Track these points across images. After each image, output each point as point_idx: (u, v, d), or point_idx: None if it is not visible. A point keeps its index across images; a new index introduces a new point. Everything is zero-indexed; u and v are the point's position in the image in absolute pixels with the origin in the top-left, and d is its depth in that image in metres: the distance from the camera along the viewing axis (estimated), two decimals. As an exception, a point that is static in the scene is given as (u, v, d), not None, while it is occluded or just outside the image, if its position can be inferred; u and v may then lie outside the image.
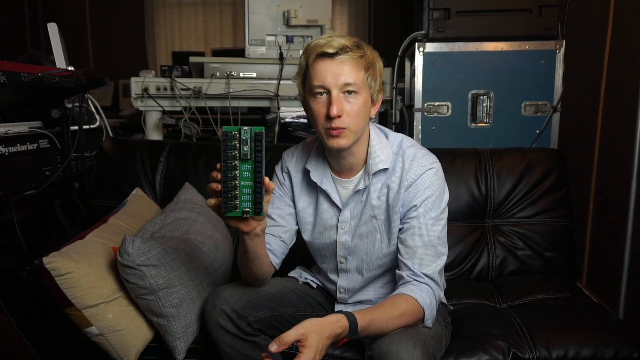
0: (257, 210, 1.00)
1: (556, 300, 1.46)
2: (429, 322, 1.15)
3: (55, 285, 1.23)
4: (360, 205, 1.27)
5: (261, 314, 1.23)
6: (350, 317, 1.05)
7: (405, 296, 1.14)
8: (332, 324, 1.03)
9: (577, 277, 1.72)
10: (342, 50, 1.12)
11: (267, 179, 1.00)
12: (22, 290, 1.36)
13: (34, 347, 1.38)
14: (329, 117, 1.13)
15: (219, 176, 0.99)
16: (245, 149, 0.98)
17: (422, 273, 1.17)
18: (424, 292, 1.15)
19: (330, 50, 1.12)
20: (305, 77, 1.18)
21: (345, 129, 1.14)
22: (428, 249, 1.19)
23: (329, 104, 1.13)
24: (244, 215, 1.01)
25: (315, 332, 1.00)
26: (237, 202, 0.99)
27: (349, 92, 1.14)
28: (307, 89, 1.18)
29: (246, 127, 0.98)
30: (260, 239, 1.13)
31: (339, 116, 1.13)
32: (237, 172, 0.99)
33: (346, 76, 1.12)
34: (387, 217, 1.25)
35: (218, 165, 0.99)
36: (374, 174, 1.23)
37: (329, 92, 1.13)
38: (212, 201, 1.01)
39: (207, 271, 1.42)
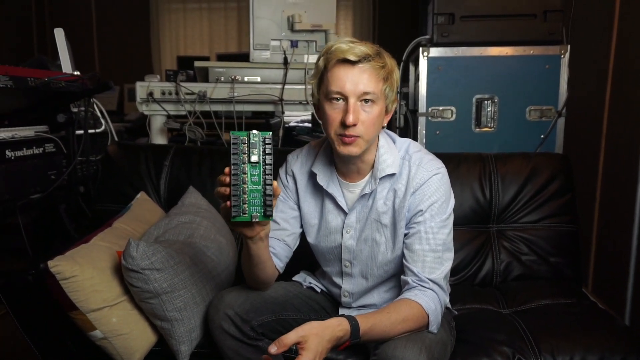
0: (267, 213, 1.00)
1: (561, 305, 1.45)
2: (433, 327, 1.14)
3: (59, 289, 1.23)
4: (366, 210, 1.26)
5: (264, 318, 1.23)
6: (351, 320, 1.05)
7: (409, 301, 1.13)
8: (333, 327, 1.03)
9: (582, 283, 1.71)
10: (365, 58, 1.11)
11: (275, 183, 1.00)
12: (27, 293, 1.37)
13: (39, 351, 1.38)
14: (343, 125, 1.12)
15: (227, 180, 0.98)
16: (254, 152, 0.99)
17: (428, 278, 1.17)
18: (428, 298, 1.14)
19: (353, 58, 1.10)
20: (321, 79, 1.17)
21: (359, 137, 1.14)
22: (434, 255, 1.19)
23: (345, 111, 1.12)
24: (253, 220, 1.00)
25: (315, 334, 1.00)
26: (246, 206, 0.99)
27: (366, 100, 1.13)
28: (323, 93, 1.17)
29: (255, 131, 0.99)
30: (264, 243, 1.13)
31: (355, 125, 1.12)
32: (245, 177, 0.99)
33: (365, 85, 1.12)
34: (393, 222, 1.24)
35: (226, 170, 0.99)
36: (381, 178, 1.23)
37: (346, 99, 1.13)
38: (228, 204, 0.99)
39: (211, 275, 1.42)
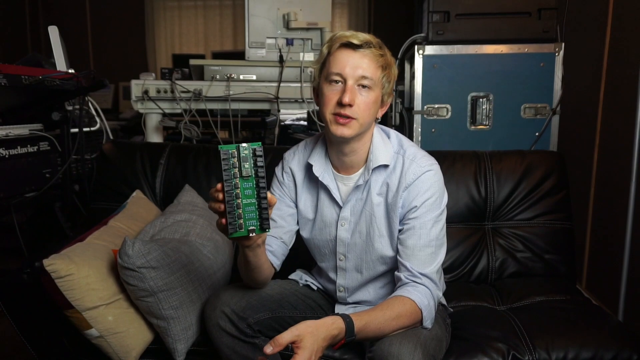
0: (264, 226, 1.00)
1: (556, 302, 1.46)
2: (427, 323, 1.15)
3: (55, 288, 1.23)
4: (361, 203, 1.27)
5: (261, 316, 1.24)
6: (346, 318, 1.06)
7: (402, 298, 1.14)
8: (327, 326, 1.04)
9: (576, 280, 1.72)
10: (366, 44, 1.16)
11: (269, 194, 1.01)
12: (23, 292, 1.36)
13: (34, 349, 1.38)
14: (339, 104, 1.16)
15: (221, 196, 0.98)
16: (246, 166, 0.98)
17: (420, 273, 1.18)
18: (421, 294, 1.15)
19: (355, 42, 1.15)
20: (324, 64, 1.21)
21: (354, 119, 1.17)
22: (427, 250, 1.20)
23: (343, 92, 1.16)
24: (250, 235, 1.00)
25: (310, 333, 1.01)
26: (242, 221, 0.98)
27: (364, 86, 1.17)
28: (324, 75, 1.20)
29: (245, 144, 0.98)
30: (261, 249, 1.13)
31: (350, 105, 1.15)
32: (238, 191, 0.97)
33: (364, 69, 1.16)
34: (386, 216, 1.25)
35: (219, 186, 0.98)
36: (375, 169, 1.24)
37: (344, 82, 1.16)
38: (223, 221, 1.00)
39: (207, 273, 1.42)
